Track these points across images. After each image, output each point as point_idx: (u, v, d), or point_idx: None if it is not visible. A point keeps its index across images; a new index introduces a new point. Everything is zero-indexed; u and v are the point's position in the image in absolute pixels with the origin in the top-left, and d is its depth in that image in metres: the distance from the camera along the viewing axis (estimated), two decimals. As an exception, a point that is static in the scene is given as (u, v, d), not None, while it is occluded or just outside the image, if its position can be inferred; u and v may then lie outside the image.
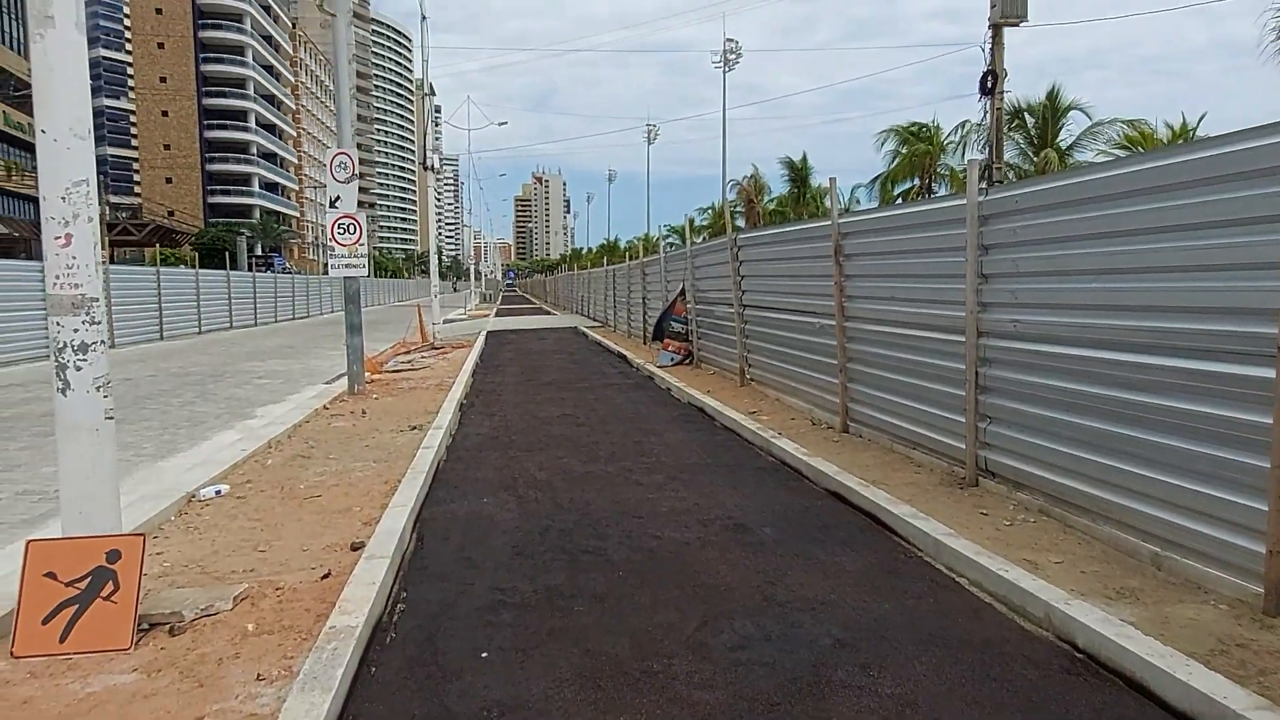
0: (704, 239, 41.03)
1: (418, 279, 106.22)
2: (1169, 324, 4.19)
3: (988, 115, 17.18)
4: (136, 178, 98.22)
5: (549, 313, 41.40)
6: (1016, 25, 16.02)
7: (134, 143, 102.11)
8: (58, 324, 3.64)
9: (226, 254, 40.04)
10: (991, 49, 16.34)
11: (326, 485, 6.42)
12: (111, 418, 3.81)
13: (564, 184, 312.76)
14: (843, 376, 7.78)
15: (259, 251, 78.65)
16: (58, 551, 3.74)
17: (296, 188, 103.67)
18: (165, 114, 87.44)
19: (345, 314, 10.85)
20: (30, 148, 60.12)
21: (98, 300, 3.69)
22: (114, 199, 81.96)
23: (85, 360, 3.66)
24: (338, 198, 10.34)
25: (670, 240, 46.76)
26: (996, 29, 16.18)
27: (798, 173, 43.26)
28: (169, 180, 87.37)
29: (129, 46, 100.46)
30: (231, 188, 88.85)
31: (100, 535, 3.79)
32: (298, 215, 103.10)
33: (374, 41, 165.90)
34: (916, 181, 33.16)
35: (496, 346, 19.82)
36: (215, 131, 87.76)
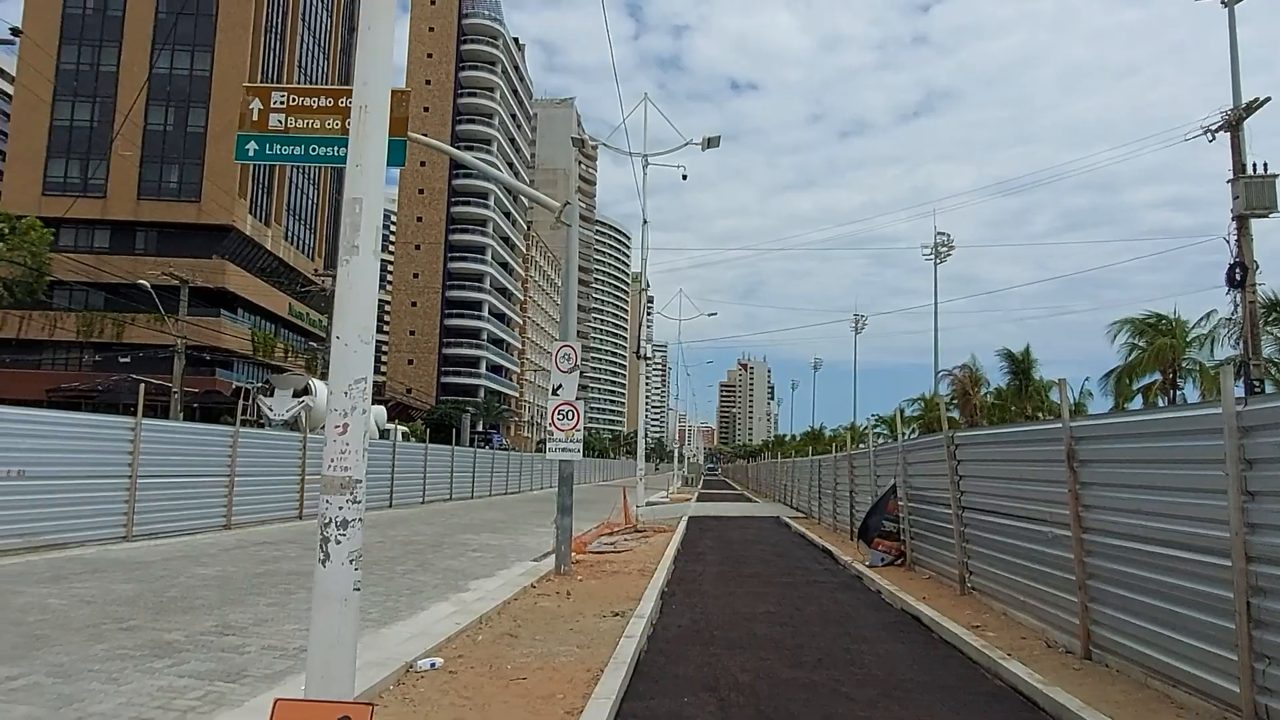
0: (915, 431, 39.48)
1: (623, 459, 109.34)
2: None
3: (1238, 308, 15.84)
4: (384, 359, 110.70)
5: (750, 499, 40.91)
6: (1265, 216, 15.00)
7: (385, 328, 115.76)
8: (326, 501, 4.10)
9: (453, 430, 43.47)
10: (1238, 240, 15.31)
11: (532, 668, 6.51)
12: (358, 589, 4.16)
13: (769, 371, 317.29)
14: (1082, 594, 7.02)
15: (480, 428, 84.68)
16: (299, 712, 4.00)
17: (518, 370, 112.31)
18: (414, 304, 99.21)
19: (558, 495, 11.35)
20: (304, 333, 69.92)
21: (361, 482, 4.14)
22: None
23: (345, 535, 4.07)
24: (560, 386, 11.12)
25: (879, 430, 45.42)
26: (1242, 220, 15.21)
27: (1019, 365, 41.17)
28: (410, 361, 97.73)
29: (391, 248, 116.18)
30: (462, 369, 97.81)
31: (336, 701, 4.03)
32: (517, 395, 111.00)
33: (596, 240, 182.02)
34: (1158, 376, 30.56)
35: (698, 533, 19.74)
36: (453, 320, 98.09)
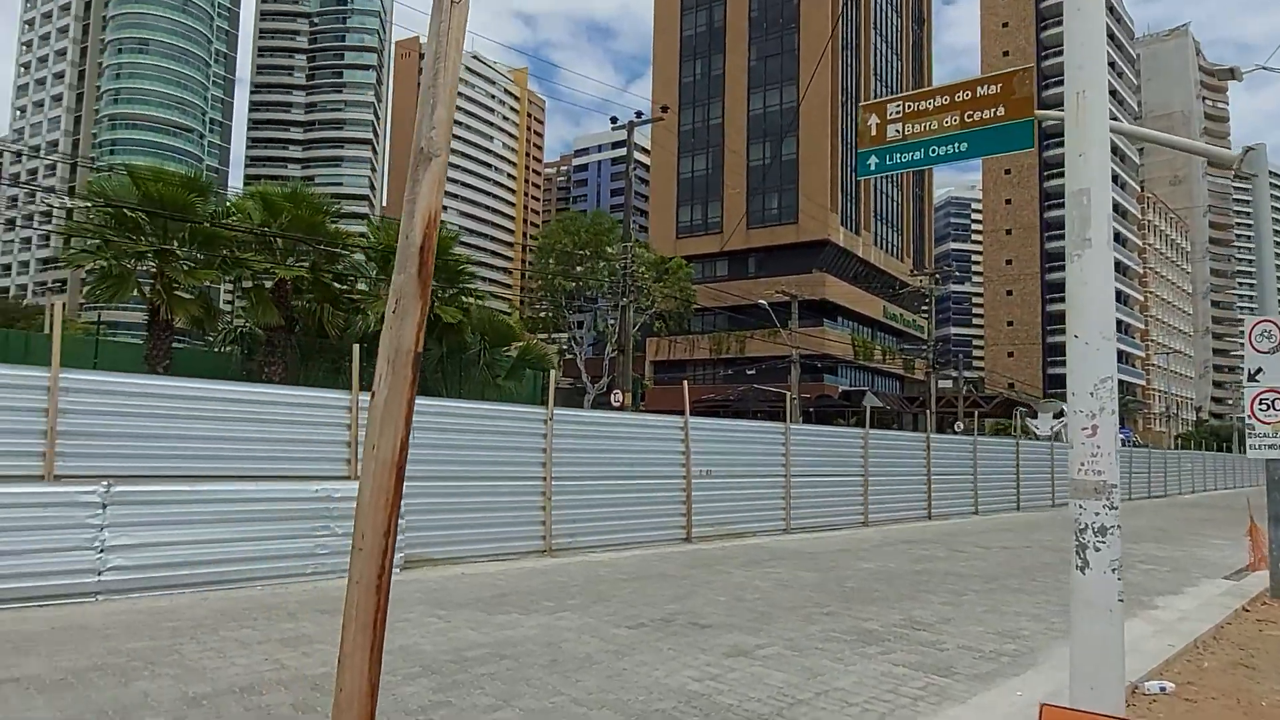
0: None
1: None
2: None
3: None
4: (976, 353, 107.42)
5: None
6: None
7: (975, 322, 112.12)
8: (1080, 506, 3.94)
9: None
10: None
11: (1297, 709, 5.44)
12: (1122, 600, 3.90)
13: None
14: None
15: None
16: (1068, 724, 3.92)
17: (1143, 355, 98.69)
18: (1009, 293, 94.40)
19: (1269, 502, 9.43)
20: (897, 333, 71.71)
21: (1116, 487, 3.88)
22: (955, 374, 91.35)
23: (1103, 543, 3.86)
24: (1259, 370, 9.25)
25: None
26: None
27: None
28: (1010, 354, 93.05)
29: (975, 238, 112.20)
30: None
31: (1107, 715, 3.83)
32: (1144, 383, 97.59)
33: (1234, 187, 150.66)
34: None
35: None
36: (1055, 305, 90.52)
